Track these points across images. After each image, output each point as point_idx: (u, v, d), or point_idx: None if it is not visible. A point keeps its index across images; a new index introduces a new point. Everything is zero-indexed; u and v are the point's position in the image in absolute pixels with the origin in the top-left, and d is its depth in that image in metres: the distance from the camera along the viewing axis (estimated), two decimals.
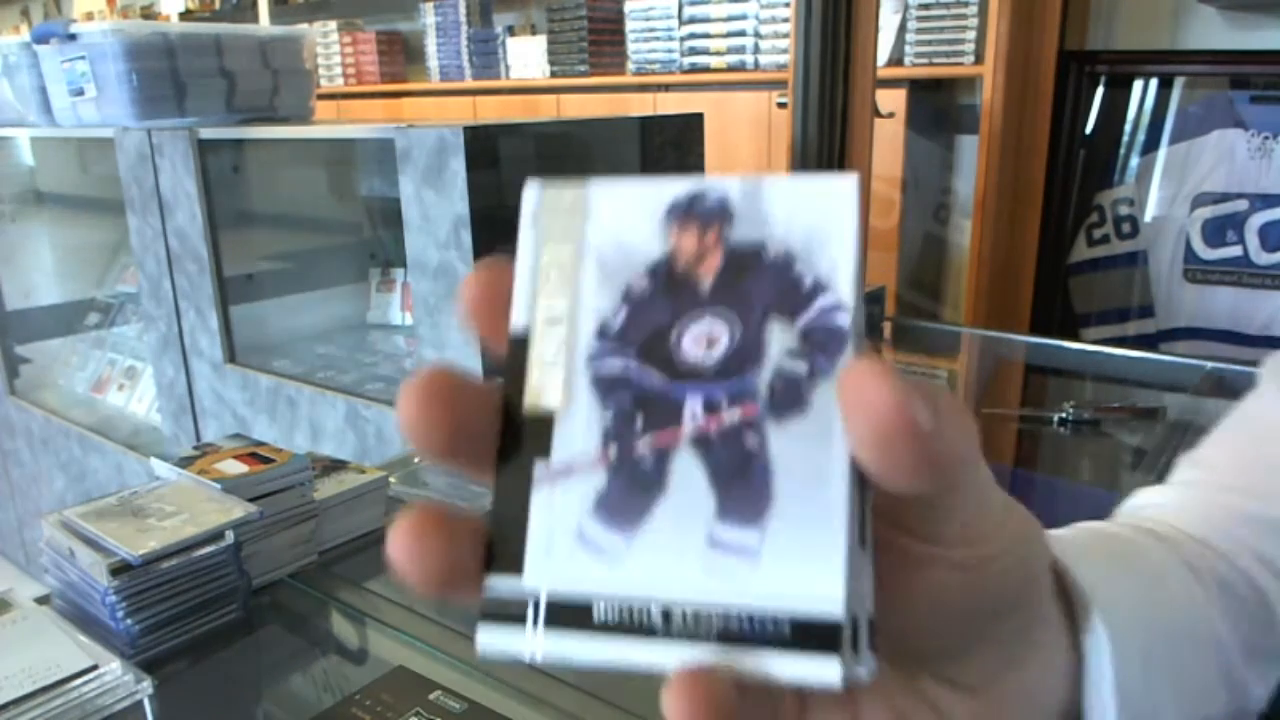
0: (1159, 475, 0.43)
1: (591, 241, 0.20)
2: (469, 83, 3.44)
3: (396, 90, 3.78)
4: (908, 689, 0.23)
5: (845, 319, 0.18)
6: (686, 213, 0.20)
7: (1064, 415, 1.21)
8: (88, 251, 2.54)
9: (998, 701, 0.24)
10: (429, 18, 3.49)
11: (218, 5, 4.42)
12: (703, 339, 0.19)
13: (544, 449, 0.19)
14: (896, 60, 2.35)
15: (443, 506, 0.19)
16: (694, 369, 0.19)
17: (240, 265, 1.85)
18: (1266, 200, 2.05)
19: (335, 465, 0.95)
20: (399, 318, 2.08)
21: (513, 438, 0.20)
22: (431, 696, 0.68)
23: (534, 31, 3.41)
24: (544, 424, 0.20)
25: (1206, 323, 2.15)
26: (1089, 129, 2.25)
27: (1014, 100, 2.16)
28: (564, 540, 0.19)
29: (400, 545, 0.19)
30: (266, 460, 0.86)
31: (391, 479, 0.98)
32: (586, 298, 0.20)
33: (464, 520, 0.19)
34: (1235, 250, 2.09)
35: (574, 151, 1.61)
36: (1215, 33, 2.09)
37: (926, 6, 2.29)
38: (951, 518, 0.20)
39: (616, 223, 0.20)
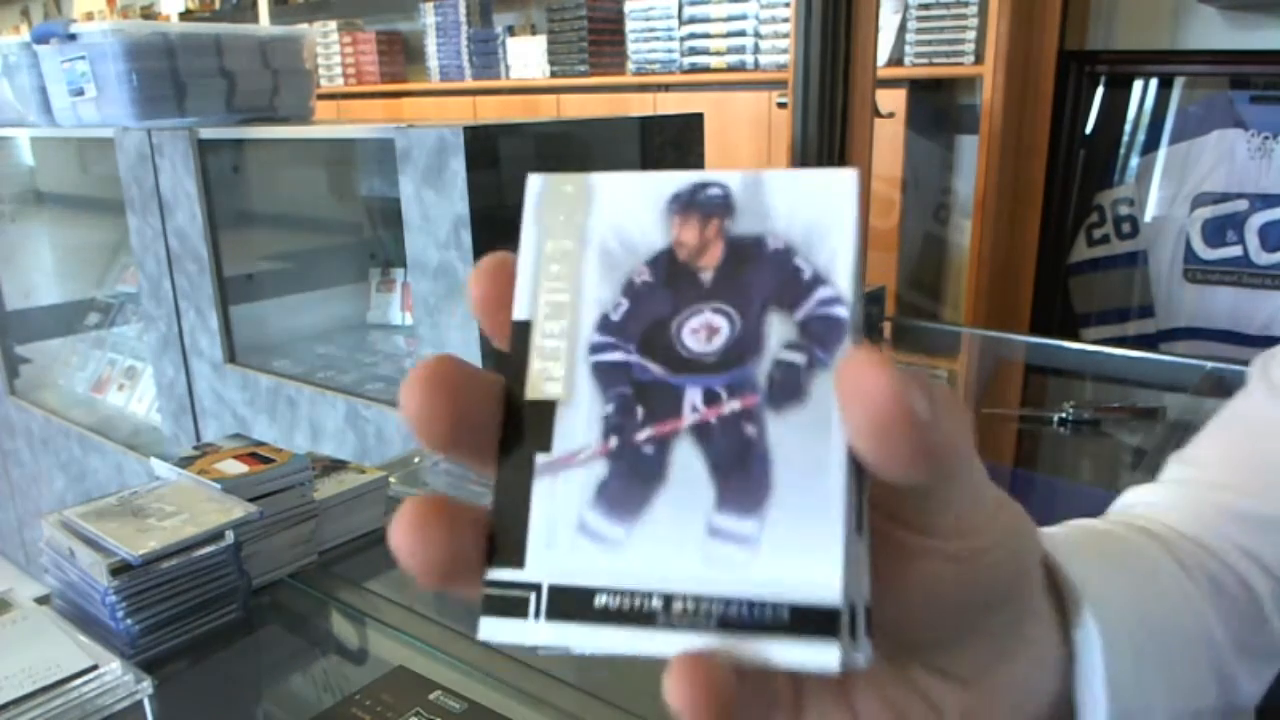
0: (1158, 475, 0.43)
1: (593, 234, 0.20)
2: (469, 83, 3.44)
3: (396, 90, 3.78)
4: (900, 680, 0.24)
5: (844, 311, 0.19)
6: (688, 205, 0.20)
7: (1064, 415, 1.21)
8: (88, 251, 2.53)
9: (989, 693, 0.24)
10: (429, 18, 3.49)
11: (218, 5, 4.41)
12: (703, 330, 0.19)
13: (545, 440, 0.20)
14: (896, 60, 2.35)
15: (444, 498, 0.19)
16: (694, 360, 0.19)
17: (240, 265, 1.85)
18: (1266, 200, 2.05)
19: (335, 465, 0.95)
20: (399, 318, 2.08)
21: (514, 428, 0.20)
22: (431, 696, 0.68)
23: (534, 31, 3.41)
24: (545, 415, 0.20)
25: (1206, 323, 2.15)
26: (1089, 129, 2.25)
27: (1014, 100, 2.16)
28: (565, 530, 0.19)
29: (402, 535, 0.19)
30: (266, 460, 0.86)
31: (391, 479, 0.98)
32: (588, 290, 0.20)
33: (466, 511, 0.19)
34: (1235, 250, 2.09)
35: (574, 151, 1.61)
36: (1215, 33, 2.09)
37: (926, 6, 2.29)
38: (946, 510, 0.20)
39: (618, 215, 0.20)
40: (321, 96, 2.99)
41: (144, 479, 1.00)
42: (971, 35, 2.25)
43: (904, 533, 0.20)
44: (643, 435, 0.19)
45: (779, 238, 0.19)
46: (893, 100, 2.19)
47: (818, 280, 0.19)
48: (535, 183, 0.21)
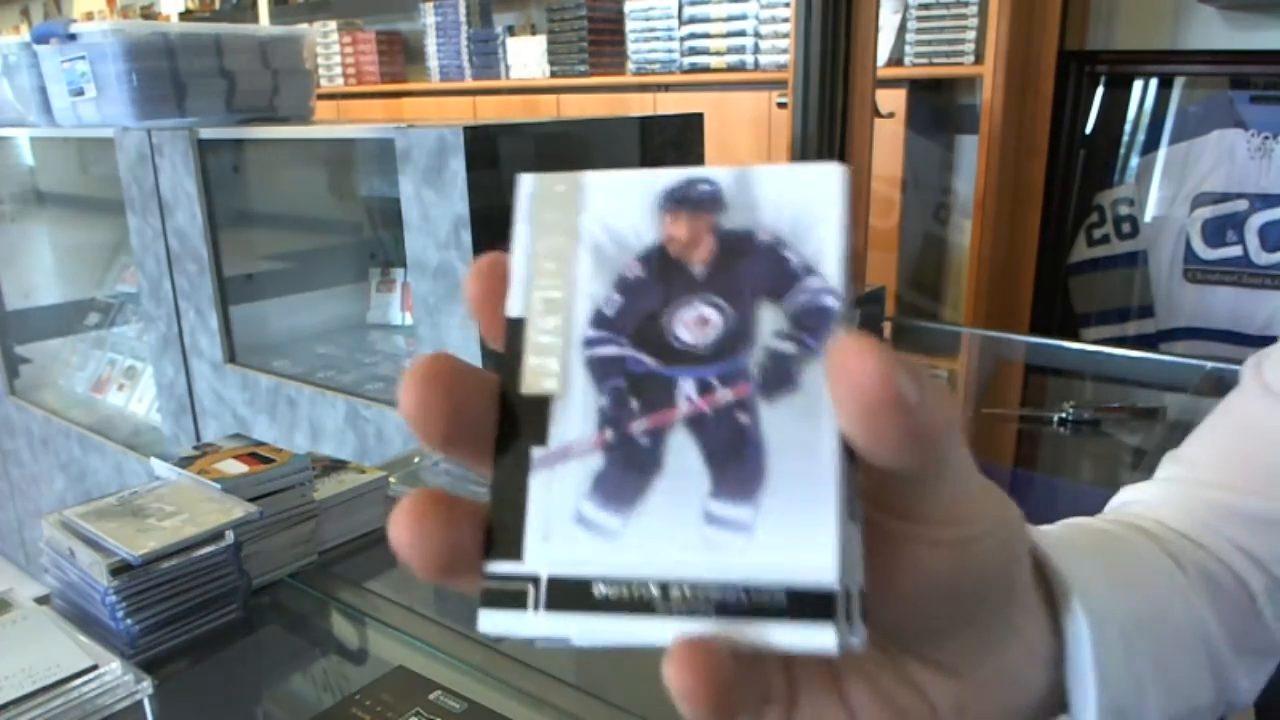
0: (1153, 474, 0.43)
1: (585, 231, 0.21)
2: (469, 83, 3.44)
3: (396, 90, 3.78)
4: (893, 672, 0.24)
5: (833, 301, 0.19)
6: (678, 201, 0.20)
7: (1064, 415, 1.21)
8: (88, 251, 2.53)
9: (980, 684, 0.24)
10: (429, 18, 3.49)
11: (218, 5, 4.42)
12: (695, 323, 0.20)
13: (541, 433, 0.20)
14: (896, 60, 2.35)
15: (442, 492, 0.19)
16: (687, 352, 0.20)
17: (240, 265, 1.85)
18: (1266, 200, 2.05)
19: (335, 465, 0.95)
20: (399, 318, 2.08)
21: (510, 423, 0.20)
22: (431, 696, 0.68)
23: (534, 31, 3.41)
24: (541, 409, 0.20)
25: (1206, 323, 2.15)
26: (1089, 129, 2.25)
27: (1014, 100, 2.16)
28: (562, 522, 0.19)
29: (401, 529, 0.19)
30: (266, 460, 0.86)
31: (391, 479, 0.98)
32: (581, 285, 0.20)
33: (464, 505, 0.20)
34: (1235, 250, 2.09)
35: (574, 151, 1.61)
36: (1215, 33, 2.09)
37: (926, 6, 2.29)
38: (935, 497, 0.20)
39: (610, 212, 0.21)
40: (321, 96, 2.99)
41: (144, 479, 1.00)
42: (971, 35, 2.25)
43: (895, 522, 0.21)
44: (638, 426, 0.19)
45: (768, 231, 0.20)
46: (893, 100, 2.19)
47: (807, 271, 0.19)
48: (527, 182, 0.21)
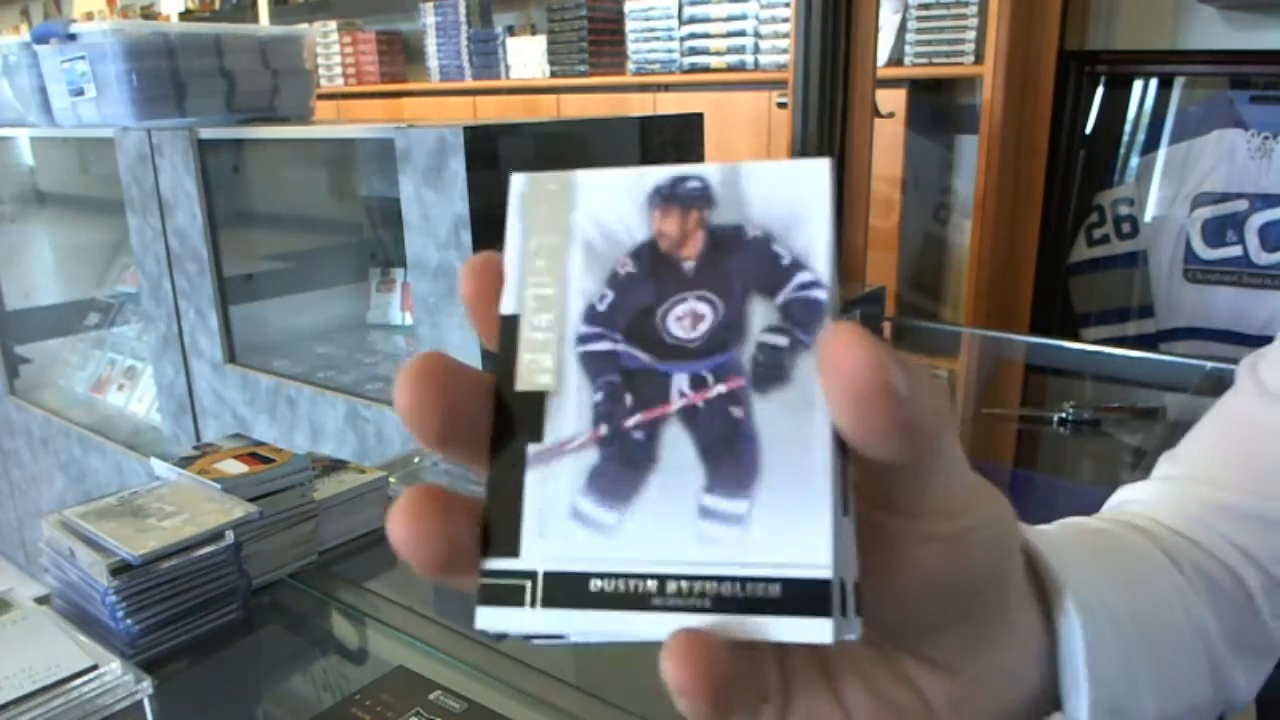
0: (1150, 474, 0.43)
1: (577, 229, 0.21)
2: (469, 83, 3.44)
3: (396, 90, 3.78)
4: (888, 670, 0.24)
5: (823, 294, 0.19)
6: (668, 198, 0.20)
7: (1064, 415, 1.21)
8: (88, 251, 2.53)
9: (975, 681, 0.24)
10: (429, 18, 3.49)
11: (218, 5, 4.42)
12: (687, 318, 0.20)
13: (536, 430, 0.20)
14: (896, 60, 2.35)
15: (440, 489, 0.20)
16: (680, 347, 0.20)
17: (240, 265, 1.85)
18: (1266, 200, 2.05)
19: (335, 465, 0.95)
20: (399, 318, 2.08)
21: (505, 420, 0.20)
22: (431, 696, 0.68)
23: (534, 31, 3.41)
24: (535, 406, 0.20)
25: (1206, 323, 2.15)
26: (1089, 129, 2.25)
27: (1014, 100, 2.16)
28: (558, 518, 0.19)
29: (399, 526, 0.19)
30: (266, 460, 0.86)
31: (391, 479, 0.98)
32: (574, 282, 0.21)
33: (461, 501, 0.20)
34: (1235, 250, 2.09)
35: (574, 151, 1.61)
36: (1215, 33, 2.09)
37: (926, 6, 2.29)
38: (928, 491, 0.21)
39: (601, 210, 0.21)
40: (321, 96, 2.99)
41: (144, 479, 1.00)
42: (971, 35, 2.25)
43: (889, 517, 0.21)
44: (632, 421, 0.19)
45: (757, 226, 0.20)
46: (893, 100, 2.19)
47: (796, 265, 0.19)
48: (519, 182, 0.21)
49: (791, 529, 0.18)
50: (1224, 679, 0.34)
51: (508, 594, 0.19)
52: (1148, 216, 2.20)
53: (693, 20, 2.76)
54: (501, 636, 0.19)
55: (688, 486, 0.19)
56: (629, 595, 0.19)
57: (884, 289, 1.79)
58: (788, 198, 0.20)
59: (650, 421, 0.19)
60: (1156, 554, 0.35)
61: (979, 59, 2.23)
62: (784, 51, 2.57)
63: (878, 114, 1.66)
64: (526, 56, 3.27)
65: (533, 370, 0.20)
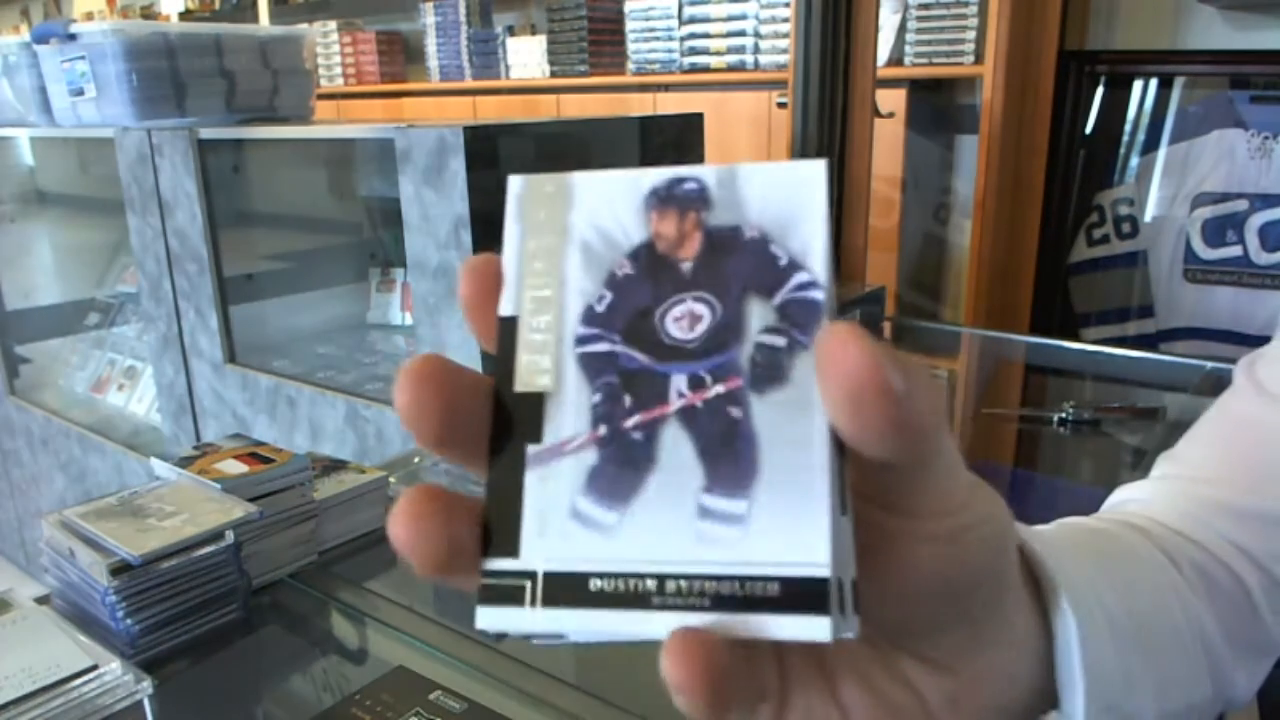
0: (1148, 474, 0.43)
1: (575, 230, 0.21)
2: (469, 83, 3.44)
3: (396, 90, 3.78)
4: (885, 669, 0.24)
5: (820, 294, 0.19)
6: (665, 200, 0.21)
7: (1064, 415, 1.21)
8: (88, 251, 2.53)
9: (972, 680, 0.24)
10: (429, 18, 3.49)
11: (218, 5, 4.42)
12: (685, 318, 0.20)
13: (535, 431, 0.20)
14: (896, 60, 2.35)
15: (441, 489, 0.20)
16: (678, 348, 0.20)
17: (240, 265, 1.85)
18: (1266, 200, 2.05)
19: (335, 465, 0.95)
20: (399, 318, 2.08)
21: (504, 421, 0.20)
22: (431, 696, 0.68)
23: (534, 31, 3.41)
24: (534, 406, 0.20)
25: (1206, 323, 2.15)
26: (1089, 129, 2.25)
27: (1014, 100, 2.16)
28: (558, 518, 0.19)
29: (400, 526, 0.19)
30: (266, 460, 0.86)
31: (391, 479, 0.98)
32: (572, 284, 0.21)
33: (462, 501, 0.20)
34: (1235, 250, 2.09)
35: (574, 151, 1.61)
36: (1215, 33, 2.09)
37: (926, 6, 2.29)
38: (925, 490, 0.21)
39: (598, 211, 0.21)
40: (321, 96, 2.99)
41: (144, 479, 1.00)
42: (971, 35, 2.25)
43: (885, 516, 0.21)
44: (631, 422, 0.20)
45: (754, 227, 0.20)
46: (893, 100, 2.19)
47: (793, 266, 0.19)
48: (516, 184, 0.22)
49: (790, 528, 0.18)
50: (1223, 678, 0.34)
51: (508, 594, 0.19)
52: (1148, 216, 2.20)
53: (693, 20, 2.76)
54: (502, 636, 0.19)
55: (686, 486, 0.19)
56: (629, 595, 0.19)
57: (884, 289, 1.79)
58: (784, 199, 0.20)
59: (649, 422, 0.19)
60: (1155, 553, 0.35)
61: (979, 59, 2.23)
62: (784, 51, 2.57)
63: (878, 114, 1.66)
64: (526, 56, 3.28)
65: (531, 371, 0.20)
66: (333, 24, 3.83)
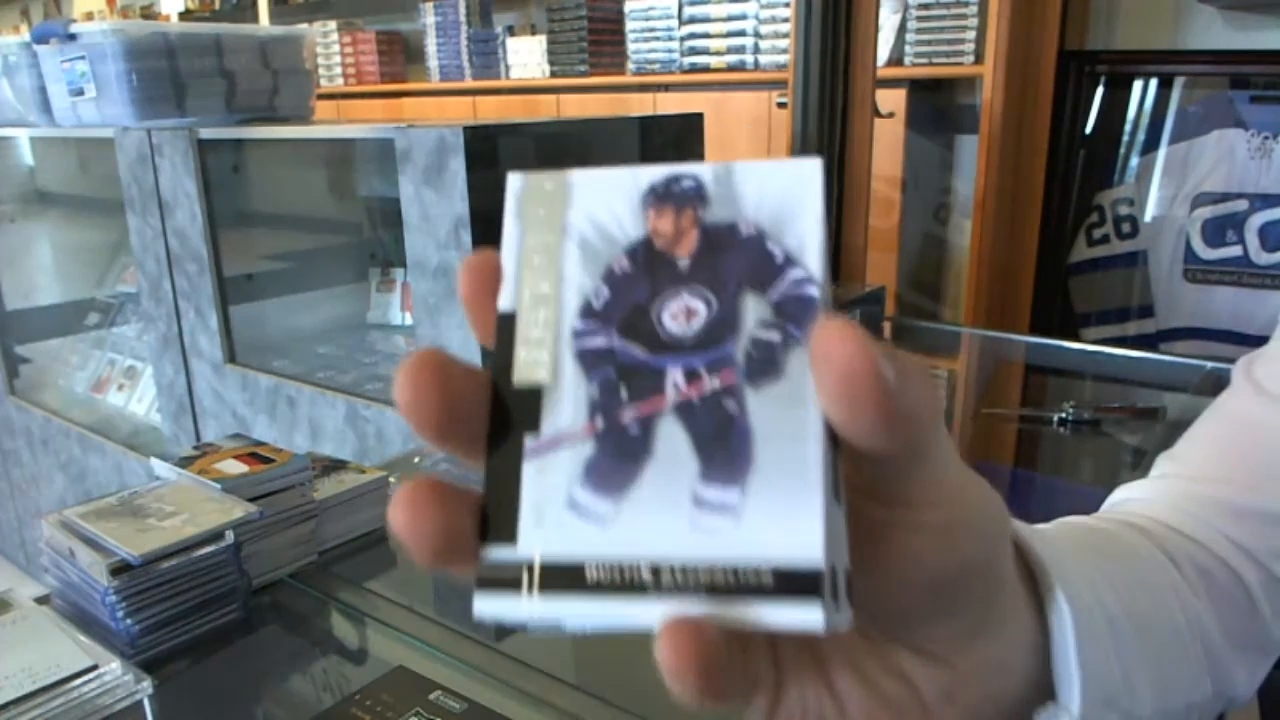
0: (1148, 473, 0.43)
1: (573, 227, 0.21)
2: (469, 83, 3.44)
3: (396, 90, 3.78)
4: (879, 659, 0.24)
5: (815, 290, 0.19)
6: (662, 197, 0.21)
7: (1064, 415, 1.21)
8: (88, 251, 2.53)
9: (966, 672, 0.24)
10: (429, 18, 3.49)
11: (218, 5, 4.42)
12: (682, 313, 0.20)
13: (533, 423, 0.20)
14: (896, 60, 2.35)
15: (440, 479, 0.20)
16: (674, 341, 0.20)
17: (240, 265, 1.85)
18: (1266, 200, 2.05)
19: (335, 465, 0.95)
20: (399, 318, 2.08)
21: (502, 414, 0.20)
22: (431, 696, 0.68)
23: (534, 31, 3.41)
24: (532, 399, 0.20)
25: (1206, 323, 2.15)
26: (1089, 129, 2.25)
27: (1014, 100, 2.16)
28: (555, 508, 0.20)
29: (400, 514, 0.19)
30: (266, 460, 0.86)
31: (391, 479, 0.98)
32: (570, 279, 0.21)
33: (461, 492, 0.20)
34: (1235, 250, 2.09)
35: (574, 151, 1.61)
36: (1215, 33, 2.09)
37: (926, 6, 2.29)
38: (918, 482, 0.21)
39: (596, 208, 0.21)
40: (321, 96, 2.99)
41: (144, 479, 1.00)
42: (971, 35, 2.25)
43: (879, 508, 0.21)
44: (627, 415, 0.20)
45: (750, 224, 0.20)
46: (893, 100, 2.19)
47: (789, 262, 0.20)
48: (515, 181, 0.22)
49: (784, 518, 0.18)
50: (1223, 676, 0.34)
51: (505, 581, 0.19)
52: (1148, 216, 2.20)
53: (693, 20, 2.76)
54: (500, 626, 0.19)
55: (682, 477, 0.19)
56: (624, 583, 0.19)
57: (884, 289, 1.79)
58: (780, 196, 0.20)
59: (645, 415, 0.20)
60: (1154, 552, 0.35)
61: (979, 59, 2.23)
62: (784, 51, 2.57)
63: (878, 114, 1.66)
64: (526, 56, 3.28)
65: (529, 365, 0.20)
66: (333, 24, 3.83)
